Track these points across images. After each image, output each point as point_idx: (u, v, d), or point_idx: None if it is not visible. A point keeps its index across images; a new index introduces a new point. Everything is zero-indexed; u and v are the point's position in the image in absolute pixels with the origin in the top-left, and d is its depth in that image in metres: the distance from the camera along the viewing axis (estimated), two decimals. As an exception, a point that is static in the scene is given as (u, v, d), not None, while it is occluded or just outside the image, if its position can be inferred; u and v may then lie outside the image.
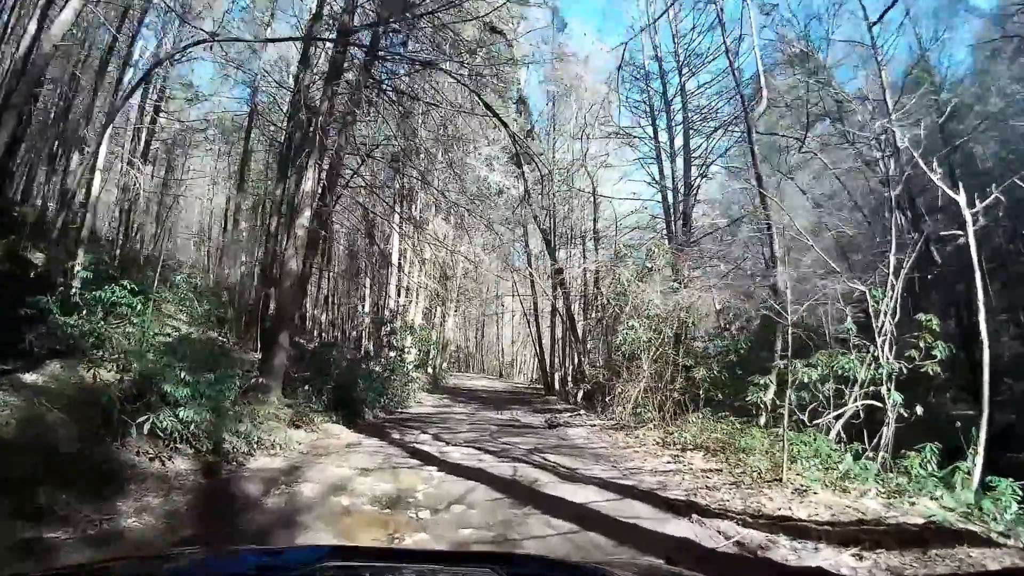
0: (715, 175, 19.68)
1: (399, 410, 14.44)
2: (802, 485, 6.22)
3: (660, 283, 12.62)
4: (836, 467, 6.73)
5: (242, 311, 17.49)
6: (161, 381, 6.84)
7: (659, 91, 20.08)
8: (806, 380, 7.68)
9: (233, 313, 18.24)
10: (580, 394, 22.56)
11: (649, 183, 20.12)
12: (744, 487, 6.38)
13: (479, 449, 8.53)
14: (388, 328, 17.31)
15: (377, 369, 15.25)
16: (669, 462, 7.96)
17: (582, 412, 14.64)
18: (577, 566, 2.28)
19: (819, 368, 7.49)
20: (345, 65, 13.04)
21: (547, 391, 23.46)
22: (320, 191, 12.74)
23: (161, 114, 23.09)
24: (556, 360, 24.57)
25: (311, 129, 11.51)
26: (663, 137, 20.43)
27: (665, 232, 19.12)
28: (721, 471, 7.21)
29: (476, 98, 15.34)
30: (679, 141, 19.95)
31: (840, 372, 7.66)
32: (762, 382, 7.53)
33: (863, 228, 16.23)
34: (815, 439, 7.21)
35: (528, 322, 31.19)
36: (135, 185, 21.52)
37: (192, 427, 6.82)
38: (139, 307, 8.12)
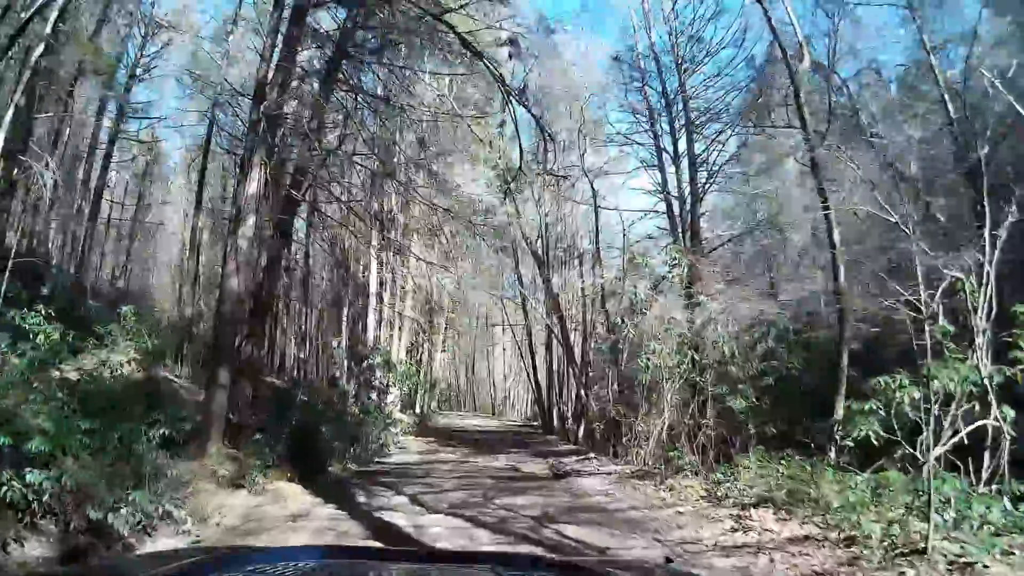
0: (730, 176, 17.85)
1: (376, 460, 12.12)
2: (957, 556, 4.11)
3: (680, 296, 10.60)
4: (975, 517, 4.65)
5: (199, 346, 15.30)
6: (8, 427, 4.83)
7: (658, 90, 18.40)
8: (903, 399, 5.58)
9: (190, 349, 16.04)
10: (581, 431, 20.31)
11: (652, 191, 18.27)
12: (871, 568, 4.22)
13: (469, 520, 6.26)
14: (366, 364, 15.06)
15: (355, 411, 12.95)
16: (734, 528, 5.77)
17: (591, 455, 12.37)
18: (577, 566, 2.12)
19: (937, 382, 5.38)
20: (312, 64, 11.29)
21: (546, 430, 21.10)
22: (278, 201, 10.77)
23: (120, 135, 21.26)
24: (554, 395, 22.26)
25: (256, 120, 9.51)
26: (666, 142, 18.69)
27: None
28: (818, 540, 5.03)
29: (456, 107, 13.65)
30: (683, 146, 18.22)
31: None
32: (867, 407, 5.38)
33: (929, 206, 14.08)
34: (945, 481, 5.07)
35: (521, 355, 28.94)
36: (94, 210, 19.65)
37: (54, 495, 4.79)
38: (51, 336, 7.16)
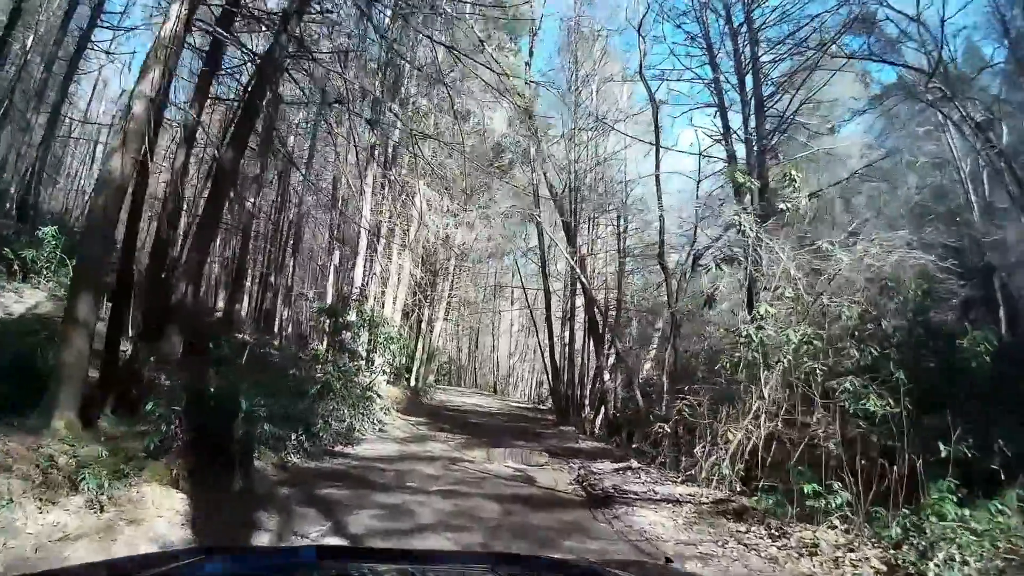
0: (807, 125, 14.16)
1: (340, 449, 8.81)
2: None
3: (796, 241, 7.10)
4: None
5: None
6: None
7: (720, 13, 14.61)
8: None
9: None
10: (599, 421, 16.99)
11: (712, 136, 14.60)
12: None
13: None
14: (338, 321, 11.66)
15: (327, 380, 9.61)
16: None
17: (631, 462, 8.95)
18: (577, 566, 2.14)
19: None
20: None
21: (560, 417, 17.73)
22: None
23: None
24: (574, 376, 18.80)
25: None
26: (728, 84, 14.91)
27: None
28: None
29: None
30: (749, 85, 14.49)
31: None
32: None
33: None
34: None
35: (536, 329, 25.56)
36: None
37: None
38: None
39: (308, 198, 21.48)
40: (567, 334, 20.04)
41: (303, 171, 16.64)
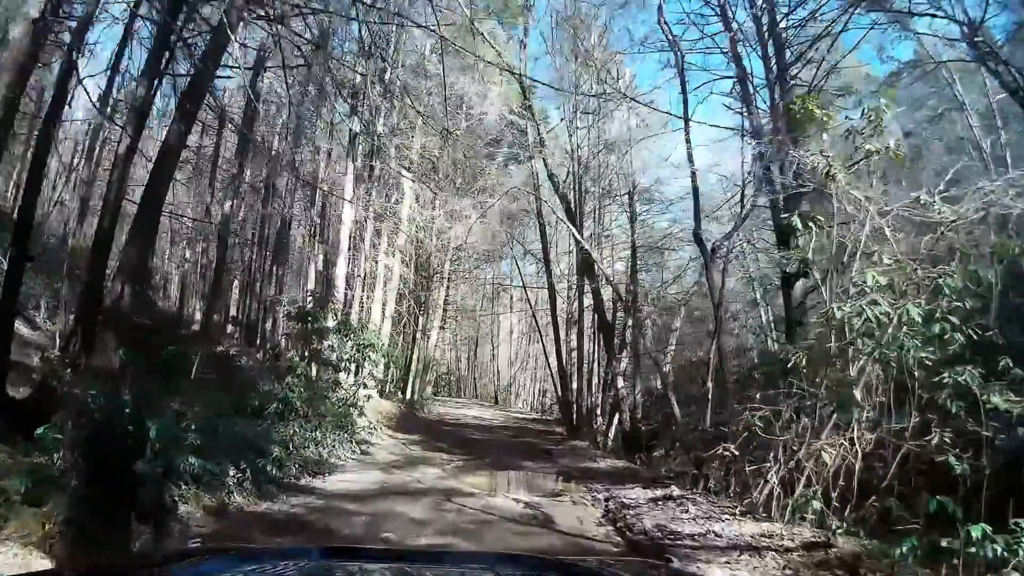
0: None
1: (307, 481, 7.02)
2: None
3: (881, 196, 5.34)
4: None
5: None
6: None
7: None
8: None
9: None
10: (612, 432, 15.19)
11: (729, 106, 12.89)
12: None
13: None
14: (311, 327, 9.85)
15: (285, 396, 7.78)
16: None
17: (672, 489, 7.15)
18: (577, 566, 2.13)
19: None
20: None
21: (569, 431, 15.88)
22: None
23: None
24: (582, 383, 16.94)
25: None
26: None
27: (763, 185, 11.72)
28: None
29: None
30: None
31: None
32: None
33: None
34: None
35: (540, 334, 23.74)
36: None
37: None
38: None
39: (296, 205, 19.81)
40: (574, 338, 18.23)
41: (282, 151, 14.83)
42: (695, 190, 10.20)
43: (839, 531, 4.87)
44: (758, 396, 5.94)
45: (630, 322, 16.43)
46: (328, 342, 10.53)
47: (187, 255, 24.87)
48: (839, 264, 5.04)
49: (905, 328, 4.53)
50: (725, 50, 13.55)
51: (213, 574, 1.56)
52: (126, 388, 7.01)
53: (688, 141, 10.32)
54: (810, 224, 4.90)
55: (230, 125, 17.47)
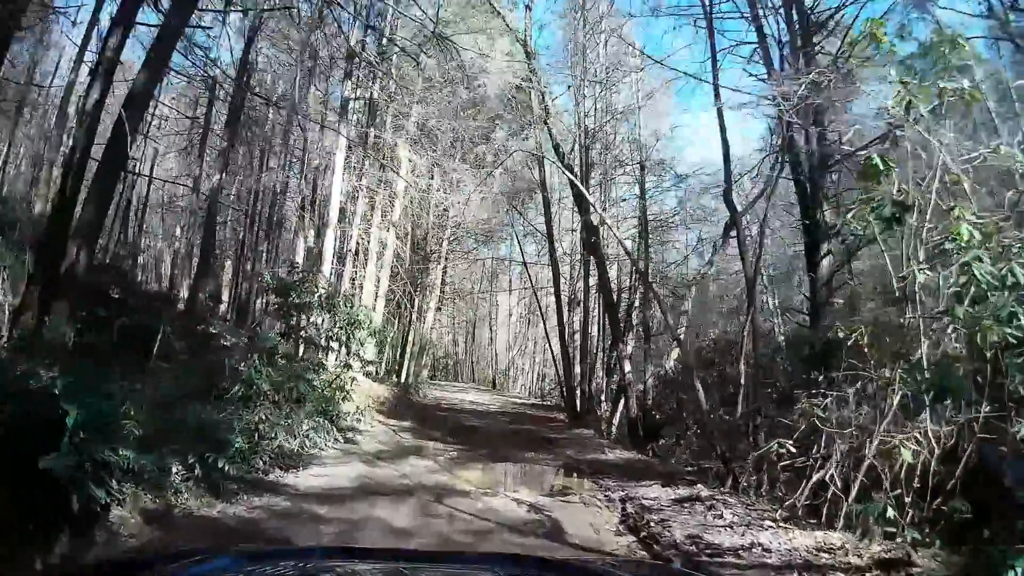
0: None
1: (277, 476, 6.09)
2: None
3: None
4: None
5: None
6: None
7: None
8: None
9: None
10: (617, 418, 14.30)
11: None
12: None
13: None
14: (290, 301, 8.85)
15: (248, 378, 6.76)
16: None
17: (703, 490, 6.21)
18: (577, 566, 2.10)
19: None
20: None
21: (573, 417, 14.96)
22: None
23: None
24: (585, 368, 15.98)
25: None
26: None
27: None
28: None
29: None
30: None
31: None
32: None
33: None
34: None
35: (540, 316, 22.77)
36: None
37: None
38: None
39: (292, 179, 18.76)
40: (578, 320, 17.27)
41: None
42: (725, 149, 9.19)
43: (916, 542, 3.95)
44: (821, 379, 4.95)
45: (637, 302, 15.51)
46: (313, 319, 9.56)
47: (177, 232, 23.89)
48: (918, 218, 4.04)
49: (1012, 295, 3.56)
50: (746, 14, 12.46)
51: (213, 574, 1.55)
52: (72, 367, 6.06)
53: (717, 90, 9.28)
54: (891, 165, 3.89)
55: (220, 89, 16.46)
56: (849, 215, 4.14)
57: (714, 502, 5.55)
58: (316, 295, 9.08)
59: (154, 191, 22.93)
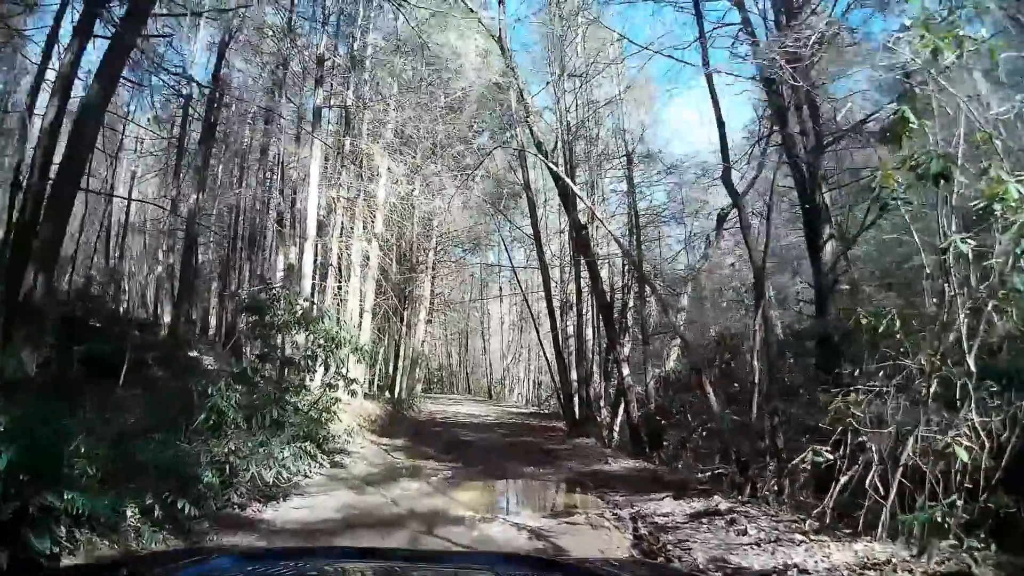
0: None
1: (253, 511, 5.51)
2: None
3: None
4: None
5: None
6: None
7: None
8: None
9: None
10: (618, 425, 13.79)
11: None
12: None
13: None
14: (264, 320, 8.27)
15: (214, 404, 6.17)
16: None
17: (722, 502, 5.68)
18: (577, 566, 2.08)
19: None
20: None
21: (571, 425, 14.41)
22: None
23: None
24: (582, 373, 15.43)
25: None
26: None
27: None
28: None
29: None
30: None
31: None
32: None
33: None
34: None
35: (532, 322, 22.25)
36: None
37: None
38: None
39: (274, 195, 18.22)
40: (571, 325, 16.75)
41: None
42: (722, 136, 8.72)
43: (973, 550, 3.46)
44: (848, 372, 4.47)
45: (632, 302, 15.03)
46: (291, 338, 9.00)
47: (159, 257, 23.17)
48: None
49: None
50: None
51: (212, 574, 1.54)
52: (24, 400, 5.48)
53: (705, 55, 8.86)
54: (922, 119, 3.42)
55: (194, 111, 15.94)
56: (876, 180, 3.64)
57: (735, 515, 5.03)
58: (293, 313, 8.50)
59: (134, 214, 22.29)
